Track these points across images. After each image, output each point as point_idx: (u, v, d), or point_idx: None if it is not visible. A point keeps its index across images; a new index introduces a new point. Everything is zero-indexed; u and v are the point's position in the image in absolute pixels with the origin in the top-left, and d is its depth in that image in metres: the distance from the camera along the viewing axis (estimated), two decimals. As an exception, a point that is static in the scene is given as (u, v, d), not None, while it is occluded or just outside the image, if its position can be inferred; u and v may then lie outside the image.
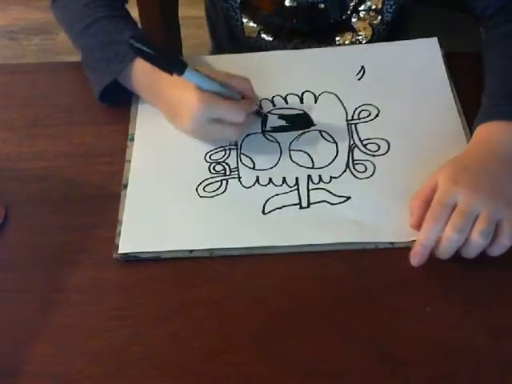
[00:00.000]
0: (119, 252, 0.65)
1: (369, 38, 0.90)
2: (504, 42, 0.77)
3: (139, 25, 0.97)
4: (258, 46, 0.92)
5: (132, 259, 0.65)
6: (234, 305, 0.62)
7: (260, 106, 0.76)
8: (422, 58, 0.82)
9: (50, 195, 0.71)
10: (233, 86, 0.71)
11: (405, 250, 0.64)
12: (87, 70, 0.79)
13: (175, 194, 0.70)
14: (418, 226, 0.63)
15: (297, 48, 0.90)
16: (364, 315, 0.61)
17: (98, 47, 0.77)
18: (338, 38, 0.90)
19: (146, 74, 0.74)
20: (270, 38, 0.91)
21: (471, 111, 0.73)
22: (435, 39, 0.83)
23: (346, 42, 0.91)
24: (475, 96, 0.74)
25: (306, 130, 0.75)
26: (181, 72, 0.67)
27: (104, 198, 0.70)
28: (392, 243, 0.64)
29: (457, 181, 0.62)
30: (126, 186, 0.70)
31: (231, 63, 0.82)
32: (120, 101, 0.78)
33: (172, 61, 0.68)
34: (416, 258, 0.62)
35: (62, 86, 0.83)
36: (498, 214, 0.60)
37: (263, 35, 0.91)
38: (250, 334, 0.60)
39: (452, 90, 0.77)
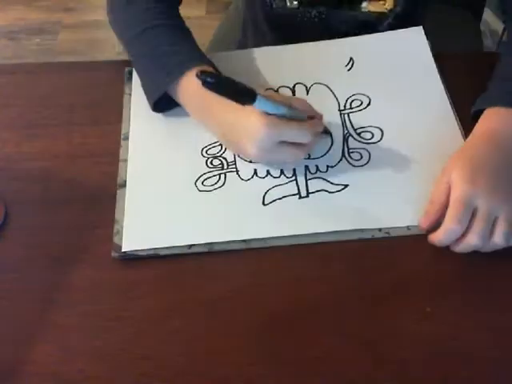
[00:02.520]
0: (123, 250, 0.65)
1: (391, 6, 0.88)
2: None
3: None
4: (284, 14, 0.89)
5: (132, 257, 0.65)
6: (234, 305, 0.62)
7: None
8: (408, 47, 0.83)
9: (50, 195, 0.71)
10: (298, 107, 0.69)
11: (405, 250, 0.64)
12: (138, 74, 0.78)
13: (174, 190, 0.70)
14: (429, 228, 0.63)
15: (320, 13, 0.88)
16: (364, 315, 0.61)
17: (148, 55, 0.76)
18: (364, 5, 0.88)
19: (194, 92, 0.71)
20: (296, 5, 0.89)
21: (464, 112, 0.74)
22: (420, 28, 0.84)
23: (371, 9, 0.89)
24: (467, 96, 0.74)
25: None
26: (252, 101, 0.64)
27: (104, 197, 0.70)
28: (389, 229, 0.65)
29: (473, 181, 0.62)
30: (121, 186, 0.71)
31: (228, 61, 0.82)
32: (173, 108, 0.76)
33: (242, 91, 0.65)
34: (434, 243, 0.63)
35: (62, 86, 0.83)
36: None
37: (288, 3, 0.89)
38: (250, 334, 0.60)
39: (440, 76, 0.78)
